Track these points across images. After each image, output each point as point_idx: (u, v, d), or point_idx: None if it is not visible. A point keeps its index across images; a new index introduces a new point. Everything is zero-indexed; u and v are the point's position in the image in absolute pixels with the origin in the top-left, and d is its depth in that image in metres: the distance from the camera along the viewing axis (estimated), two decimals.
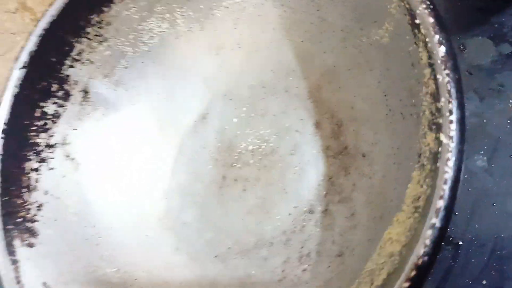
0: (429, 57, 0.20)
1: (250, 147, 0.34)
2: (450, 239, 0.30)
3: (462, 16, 0.33)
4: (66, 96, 0.31)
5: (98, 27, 0.31)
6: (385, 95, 0.27)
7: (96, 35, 0.31)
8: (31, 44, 0.29)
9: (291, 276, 0.29)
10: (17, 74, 0.29)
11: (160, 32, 0.33)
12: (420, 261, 0.18)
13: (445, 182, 0.18)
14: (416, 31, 0.21)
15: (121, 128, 0.34)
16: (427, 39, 0.20)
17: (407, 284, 0.18)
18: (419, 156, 0.22)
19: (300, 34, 0.31)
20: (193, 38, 0.34)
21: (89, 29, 0.31)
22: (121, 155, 0.34)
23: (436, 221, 0.17)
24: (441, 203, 0.18)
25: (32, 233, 0.29)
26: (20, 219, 0.29)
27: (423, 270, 0.18)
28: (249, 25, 0.33)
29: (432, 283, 0.30)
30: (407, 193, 0.23)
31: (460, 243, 0.30)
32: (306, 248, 0.29)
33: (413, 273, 0.18)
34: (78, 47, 0.31)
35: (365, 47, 0.28)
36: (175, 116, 0.35)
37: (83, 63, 0.31)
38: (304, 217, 0.30)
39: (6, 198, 0.28)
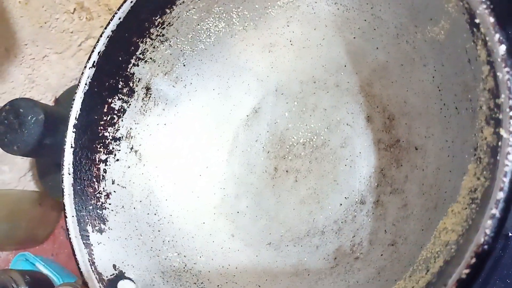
0: (488, 55, 0.21)
1: (301, 140, 0.35)
2: None
3: None
4: (131, 92, 0.34)
5: (161, 28, 0.33)
6: (439, 90, 0.28)
7: (158, 35, 0.33)
8: (101, 44, 0.31)
9: (343, 264, 0.30)
10: (88, 73, 0.31)
11: (217, 31, 0.35)
12: (480, 249, 0.19)
13: (505, 175, 0.19)
14: (474, 29, 0.22)
15: (180, 122, 0.36)
16: (487, 38, 0.20)
17: (467, 271, 0.19)
18: (475, 149, 0.23)
19: (352, 31, 0.32)
20: (247, 37, 0.35)
21: (152, 30, 0.33)
22: (180, 148, 0.36)
23: (496, 211, 0.18)
24: (501, 195, 0.18)
25: (102, 219, 0.31)
26: (91, 207, 0.31)
27: (482, 258, 0.19)
28: (301, 23, 0.34)
29: (482, 273, 0.31)
30: (462, 184, 0.24)
31: (510, 234, 0.31)
32: (358, 237, 0.30)
33: (473, 260, 0.19)
34: (142, 47, 0.33)
35: (419, 44, 0.28)
36: (229, 110, 0.37)
37: (146, 61, 0.34)
38: (356, 208, 0.31)
39: (79, 187, 0.31)
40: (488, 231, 0.18)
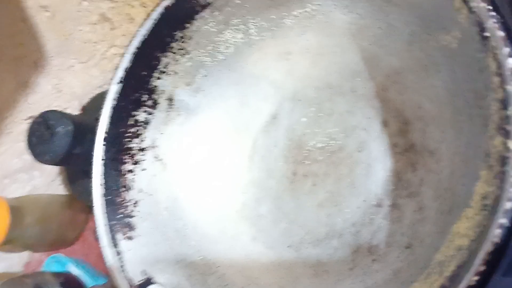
0: (498, 67, 0.21)
1: (319, 145, 0.36)
2: None
3: None
4: (154, 104, 0.35)
5: (181, 42, 0.34)
6: (451, 96, 0.28)
7: (179, 49, 0.35)
8: (126, 61, 0.33)
9: (362, 265, 0.31)
10: (115, 89, 0.33)
11: (235, 42, 0.36)
12: (489, 257, 0.19)
13: None
14: (485, 41, 0.22)
15: (201, 131, 0.38)
16: (497, 51, 0.21)
17: (476, 278, 0.20)
18: (488, 156, 0.24)
19: (366, 38, 0.33)
20: (264, 46, 0.36)
21: (173, 44, 0.34)
22: (202, 155, 0.38)
23: (504, 221, 0.19)
24: (509, 205, 0.19)
25: (131, 227, 0.33)
26: (120, 215, 0.33)
27: (491, 265, 0.19)
28: (317, 31, 0.35)
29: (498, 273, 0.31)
30: (475, 190, 0.24)
31: None
32: (376, 239, 0.31)
33: (482, 268, 0.20)
34: (164, 60, 0.34)
35: (432, 51, 0.29)
36: (248, 118, 0.38)
37: (168, 74, 0.35)
38: (373, 211, 0.32)
39: (109, 197, 0.33)
40: (496, 239, 0.19)
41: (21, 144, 0.52)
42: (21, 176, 0.56)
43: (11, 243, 0.47)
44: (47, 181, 0.58)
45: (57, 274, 0.49)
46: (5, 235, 0.45)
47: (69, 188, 0.55)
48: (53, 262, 0.53)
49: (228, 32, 0.35)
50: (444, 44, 0.28)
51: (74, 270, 0.52)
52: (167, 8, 0.32)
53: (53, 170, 0.57)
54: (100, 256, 0.55)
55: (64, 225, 0.55)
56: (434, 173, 0.30)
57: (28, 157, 0.52)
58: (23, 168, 0.55)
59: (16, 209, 0.47)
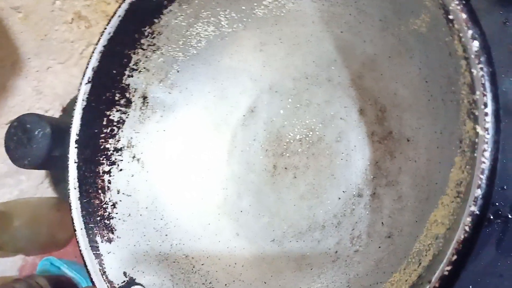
0: (464, 51, 0.21)
1: (298, 136, 0.36)
2: (499, 212, 0.31)
3: None
4: (128, 103, 0.35)
5: (151, 38, 0.34)
6: (426, 82, 0.28)
7: (149, 45, 0.34)
8: (94, 60, 0.32)
9: (344, 257, 0.31)
10: (84, 89, 0.32)
11: (207, 35, 0.35)
12: (460, 246, 0.19)
13: (482, 172, 0.19)
14: (450, 24, 0.22)
15: (178, 127, 0.37)
16: (461, 34, 0.20)
17: (449, 268, 0.19)
18: (460, 142, 0.23)
19: (339, 26, 0.32)
20: (237, 38, 0.35)
21: (143, 40, 0.33)
22: (181, 152, 0.37)
23: (474, 209, 0.19)
24: (478, 192, 0.19)
25: (110, 229, 0.33)
26: (99, 218, 0.33)
27: (463, 255, 0.19)
28: (289, 20, 0.34)
29: (487, 256, 0.31)
30: (450, 177, 0.24)
31: (510, 216, 0.31)
32: (357, 230, 0.31)
33: (454, 257, 0.19)
34: (134, 58, 0.34)
35: (404, 36, 0.28)
36: (227, 112, 0.38)
37: (140, 71, 0.34)
38: (354, 201, 0.32)
39: (85, 200, 0.32)
40: (467, 228, 0.19)
41: None
42: (7, 181, 0.56)
43: (2, 248, 0.47)
44: (35, 184, 0.58)
45: (50, 277, 0.49)
46: None
47: (55, 190, 0.55)
48: (46, 265, 0.53)
49: (199, 26, 0.34)
50: (415, 28, 0.27)
51: (68, 272, 0.52)
52: (132, 4, 0.31)
53: (39, 174, 0.57)
54: None
55: (54, 227, 0.55)
56: (412, 161, 0.29)
57: None
58: (8, 172, 0.55)
59: (4, 214, 0.47)
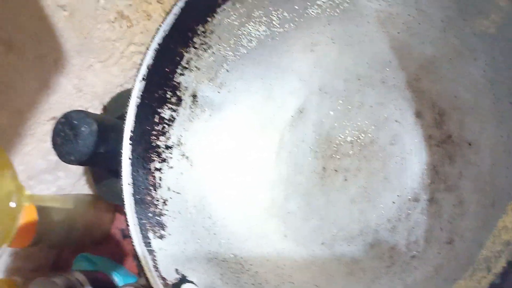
0: None
1: (349, 139, 0.35)
2: None
3: None
4: (179, 101, 0.35)
5: (203, 36, 0.34)
6: (491, 84, 0.27)
7: (201, 44, 0.34)
8: (148, 58, 0.32)
9: (400, 262, 0.30)
10: (139, 86, 0.32)
11: (258, 35, 0.35)
12: None
13: None
14: None
15: (226, 127, 0.37)
16: None
17: None
18: None
19: (396, 26, 0.32)
20: (288, 38, 0.35)
21: (195, 39, 0.33)
22: (228, 151, 0.37)
23: None
24: None
25: (161, 225, 0.33)
26: (151, 214, 0.33)
27: None
28: (343, 20, 0.34)
29: None
30: None
31: None
32: (413, 235, 0.30)
33: None
34: (186, 56, 0.34)
35: (468, 37, 0.28)
36: (274, 112, 0.37)
37: (191, 70, 0.34)
38: (409, 205, 0.31)
39: (138, 196, 0.32)
40: None
41: (45, 145, 0.52)
42: (46, 177, 0.56)
43: (39, 243, 0.48)
44: (72, 181, 0.58)
45: (87, 273, 0.50)
46: (34, 234, 0.46)
47: (94, 188, 0.55)
48: (82, 261, 0.53)
49: (251, 25, 0.34)
50: (482, 29, 0.26)
51: (103, 268, 0.52)
52: (188, 2, 0.31)
53: (77, 171, 0.58)
54: (126, 256, 0.56)
55: (90, 224, 0.56)
56: (473, 165, 0.29)
57: (52, 157, 0.52)
58: (47, 169, 0.55)
59: (43, 209, 0.48)
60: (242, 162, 0.37)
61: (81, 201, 0.56)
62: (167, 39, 0.32)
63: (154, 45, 0.32)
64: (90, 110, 0.56)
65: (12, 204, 0.27)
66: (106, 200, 0.52)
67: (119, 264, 0.54)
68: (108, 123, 0.43)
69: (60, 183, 0.57)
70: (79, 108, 0.54)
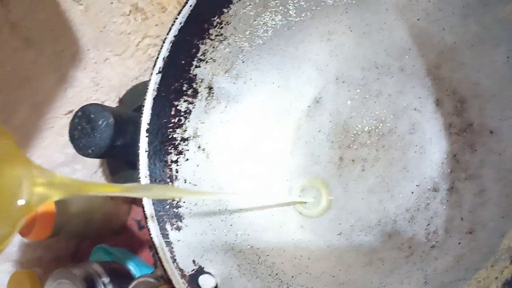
0: None
1: (366, 128, 0.35)
2: None
3: None
4: (195, 93, 0.35)
5: (219, 28, 0.33)
6: None
7: (217, 35, 0.34)
8: (164, 50, 0.32)
9: (419, 252, 0.30)
10: (155, 79, 0.32)
11: (274, 24, 0.35)
12: None
13: None
14: None
15: (242, 118, 0.37)
16: None
17: None
18: None
19: (415, 13, 0.31)
20: (304, 27, 0.35)
21: (211, 31, 0.33)
22: (244, 143, 0.37)
23: None
24: None
25: (179, 217, 0.33)
26: (168, 206, 0.33)
27: None
28: (360, 8, 0.33)
29: None
30: None
31: None
32: (433, 225, 0.30)
33: None
34: (202, 48, 0.34)
35: (489, 23, 0.27)
36: (291, 102, 0.37)
37: (207, 62, 0.34)
38: (428, 195, 0.31)
39: None
40: None
41: (63, 138, 0.53)
42: (63, 169, 0.57)
43: (58, 234, 0.49)
44: (89, 173, 0.59)
45: (104, 263, 0.50)
46: (52, 226, 0.46)
47: (111, 179, 0.56)
48: (99, 252, 0.54)
49: (267, 15, 0.34)
50: (503, 15, 0.26)
51: (120, 259, 0.53)
52: None
53: (94, 163, 0.58)
54: (143, 246, 0.56)
55: (107, 215, 0.56)
56: (495, 154, 0.28)
57: (69, 150, 0.53)
58: (65, 161, 0.56)
59: (61, 201, 0.48)
60: (258, 153, 0.37)
61: None
62: (183, 31, 0.32)
63: (170, 37, 0.32)
64: (107, 103, 0.56)
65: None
66: None
67: (135, 255, 0.54)
68: (124, 116, 0.44)
69: (77, 175, 0.58)
70: (96, 102, 0.55)
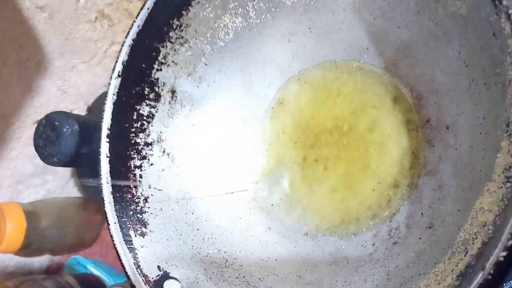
0: None
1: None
2: None
3: None
4: (157, 97, 0.34)
5: (179, 30, 0.33)
6: (466, 66, 0.27)
7: (177, 38, 0.34)
8: (123, 54, 0.32)
9: (382, 249, 0.30)
10: (114, 83, 0.32)
11: (235, 27, 0.35)
12: None
13: None
14: (497, 2, 0.21)
15: (207, 121, 0.37)
16: (510, 11, 0.20)
17: (504, 253, 0.18)
18: (508, 125, 0.22)
19: (371, 12, 0.32)
20: (265, 29, 0.35)
21: (171, 33, 0.33)
22: (210, 146, 0.37)
23: None
24: None
25: (143, 223, 0.32)
26: (131, 212, 0.32)
27: None
28: (319, 8, 0.33)
29: None
30: (497, 162, 0.23)
31: None
32: (395, 222, 0.30)
33: (510, 242, 0.18)
34: (163, 51, 0.33)
35: (442, 19, 0.27)
36: (255, 104, 0.37)
37: (168, 65, 0.34)
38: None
39: (118, 194, 0.32)
40: None
41: (32, 148, 0.52)
42: (34, 181, 0.56)
43: (29, 247, 0.48)
44: (61, 184, 0.58)
45: (78, 275, 0.49)
46: (23, 240, 0.45)
47: (82, 190, 0.55)
48: (73, 264, 0.53)
49: (227, 17, 0.34)
50: (454, 10, 0.26)
51: (94, 271, 0.52)
52: None
53: (65, 173, 0.57)
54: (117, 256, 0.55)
55: (80, 227, 0.55)
56: (452, 149, 0.28)
57: (39, 161, 0.52)
58: (35, 173, 0.55)
59: (32, 214, 0.47)
60: (225, 156, 0.37)
61: (71, 204, 0.56)
62: (142, 34, 0.32)
63: (129, 41, 0.32)
64: (76, 111, 0.55)
65: None
66: (95, 200, 0.52)
67: (110, 265, 0.53)
68: (90, 123, 0.43)
69: (48, 186, 0.57)
70: (64, 110, 0.54)
